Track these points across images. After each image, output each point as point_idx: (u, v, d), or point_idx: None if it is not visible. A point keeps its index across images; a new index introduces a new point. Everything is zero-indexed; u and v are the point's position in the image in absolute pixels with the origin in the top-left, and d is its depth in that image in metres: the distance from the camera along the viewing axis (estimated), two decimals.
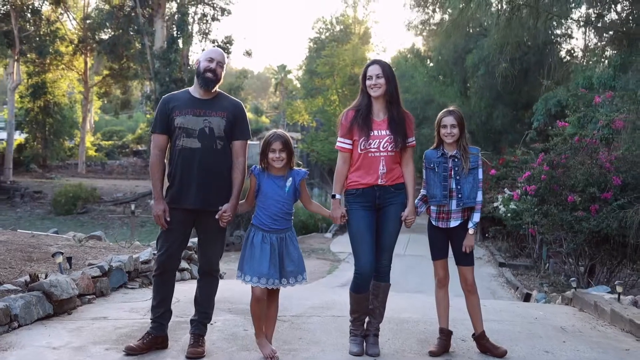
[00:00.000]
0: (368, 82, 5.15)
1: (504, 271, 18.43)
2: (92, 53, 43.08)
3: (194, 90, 5.09)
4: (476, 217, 5.22)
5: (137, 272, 8.11)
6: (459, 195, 5.18)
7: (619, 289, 8.17)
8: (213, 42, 37.60)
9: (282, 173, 4.99)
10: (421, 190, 5.41)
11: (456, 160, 5.20)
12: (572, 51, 29.57)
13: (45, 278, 6.16)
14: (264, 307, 4.97)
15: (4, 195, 38.02)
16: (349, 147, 5.15)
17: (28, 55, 40.42)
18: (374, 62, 5.29)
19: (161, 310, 5.10)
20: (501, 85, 23.01)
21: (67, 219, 34.42)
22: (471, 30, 25.85)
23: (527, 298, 13.22)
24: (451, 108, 5.32)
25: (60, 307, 6.10)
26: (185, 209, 4.94)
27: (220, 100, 5.09)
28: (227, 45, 36.94)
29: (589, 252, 13.28)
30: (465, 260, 5.28)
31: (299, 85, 49.46)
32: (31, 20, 40.65)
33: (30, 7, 40.64)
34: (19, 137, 45.76)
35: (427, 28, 31.87)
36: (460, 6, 28.61)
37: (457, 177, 5.18)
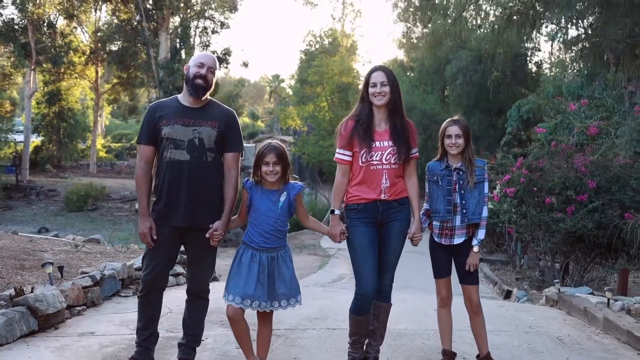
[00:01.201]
0: (371, 90, 4.32)
1: (482, 266, 17.68)
2: (102, 63, 42.26)
3: (183, 98, 4.24)
4: (481, 234, 4.42)
5: (130, 279, 7.24)
6: (464, 211, 4.37)
7: (608, 294, 7.39)
8: (213, 52, 36.75)
9: (276, 187, 4.17)
10: (424, 205, 4.58)
11: (461, 173, 4.39)
12: (540, 63, 29.14)
13: (32, 291, 5.29)
14: (245, 327, 4.14)
15: (21, 193, 37.21)
16: (349, 159, 4.33)
17: (44, 65, 39.48)
18: (379, 68, 4.43)
19: (147, 333, 4.26)
20: (482, 92, 22.54)
21: (78, 215, 33.52)
22: (450, 43, 25.20)
23: (507, 295, 12.51)
24: (456, 117, 4.50)
25: (46, 322, 5.25)
26: (173, 227, 4.10)
27: (211, 109, 4.25)
28: (226, 56, 36.10)
29: (565, 251, 12.73)
30: (469, 279, 4.48)
31: (291, 93, 48.74)
32: (47, 33, 39.82)
33: (46, 21, 39.75)
34: (36, 140, 44.87)
35: (410, 41, 31.37)
36: (438, 22, 28.08)
37: (462, 192, 4.37)
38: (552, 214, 11.60)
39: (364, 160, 4.25)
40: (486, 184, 4.42)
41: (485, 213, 4.40)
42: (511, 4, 27.15)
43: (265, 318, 4.19)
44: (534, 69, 28.93)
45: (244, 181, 4.20)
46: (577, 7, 21.88)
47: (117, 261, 7.38)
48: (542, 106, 18.24)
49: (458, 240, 4.41)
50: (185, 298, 4.36)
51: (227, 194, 4.16)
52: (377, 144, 4.26)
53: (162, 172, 4.12)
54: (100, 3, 38.84)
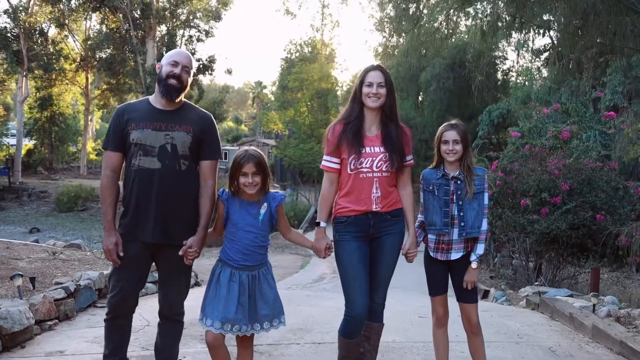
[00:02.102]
0: (366, 90, 3.65)
1: None
2: (92, 70, 41.16)
3: (155, 99, 3.55)
4: (480, 248, 3.78)
5: (107, 288, 6.51)
6: (462, 224, 3.72)
7: (593, 300, 6.85)
8: (198, 60, 35.97)
9: (256, 198, 3.49)
10: (418, 216, 3.92)
11: (459, 182, 3.74)
12: (508, 71, 28.85)
13: None
14: (225, 354, 3.48)
15: (13, 195, 36.11)
16: (337, 166, 3.67)
17: (36, 72, 38.46)
18: (376, 67, 3.74)
19: None
20: (454, 98, 22.28)
21: (68, 215, 32.46)
22: (424, 52, 24.77)
23: (485, 295, 11.98)
24: (453, 121, 3.85)
25: (11, 341, 4.56)
26: (143, 242, 3.42)
27: (186, 112, 3.55)
28: (211, 63, 35.31)
29: (538, 251, 12.31)
30: (467, 297, 3.83)
31: (273, 99, 48.02)
32: (38, 41, 38.68)
33: (38, 29, 38.65)
34: (29, 143, 43.69)
35: (385, 50, 30.95)
36: (411, 32, 27.63)
37: (460, 203, 3.72)
38: (527, 215, 11.20)
39: (352, 167, 3.59)
40: (486, 195, 3.78)
41: (484, 226, 3.76)
42: (480, 15, 26.92)
43: (245, 341, 3.52)
44: (502, 77, 28.67)
45: (219, 192, 3.52)
46: (544, 17, 21.63)
47: (94, 269, 6.67)
48: (512, 111, 17.90)
49: (455, 255, 3.77)
50: (158, 321, 3.68)
51: (203, 206, 3.48)
52: (367, 149, 3.61)
53: (130, 182, 3.44)
54: (90, 12, 37.76)
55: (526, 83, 23.33)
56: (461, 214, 3.70)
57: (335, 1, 66.33)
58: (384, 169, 3.60)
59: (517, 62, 27.37)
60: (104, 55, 38.82)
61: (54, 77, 40.21)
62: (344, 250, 3.62)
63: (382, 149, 3.62)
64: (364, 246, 3.63)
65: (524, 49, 25.66)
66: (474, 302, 3.84)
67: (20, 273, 5.37)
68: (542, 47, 22.67)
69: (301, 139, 34.91)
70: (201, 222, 3.46)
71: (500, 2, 22.70)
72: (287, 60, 41.05)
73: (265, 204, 3.49)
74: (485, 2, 23.18)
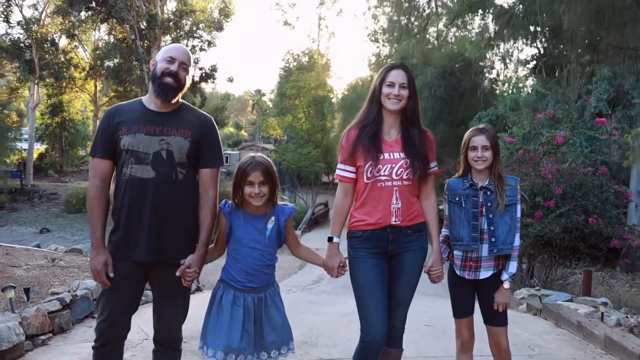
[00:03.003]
0: (387, 91, 3.06)
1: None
2: (100, 78, 40.56)
3: (149, 100, 2.95)
4: (512, 266, 3.20)
5: None
6: (492, 239, 3.12)
7: (602, 308, 6.28)
8: (201, 69, 35.45)
9: (262, 211, 2.91)
10: (442, 230, 3.32)
11: (489, 193, 3.16)
12: (495, 80, 28.39)
13: None
14: None
15: (25, 197, 35.53)
16: (352, 175, 3.08)
17: (47, 80, 37.97)
18: (399, 66, 3.13)
19: None
20: (445, 105, 21.92)
21: (77, 216, 31.73)
22: (416, 60, 24.25)
23: None
24: (481, 126, 3.28)
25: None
26: (135, 262, 2.82)
27: (184, 115, 2.95)
28: (213, 72, 34.75)
29: (532, 253, 11.75)
30: (497, 319, 3.24)
31: (271, 106, 47.42)
32: (49, 51, 38.13)
33: (49, 40, 38.12)
34: (40, 148, 43.12)
35: (379, 59, 30.52)
36: (404, 42, 27.19)
37: (490, 216, 3.13)
38: (522, 218, 10.65)
39: (369, 175, 3.01)
40: (518, 207, 3.20)
41: (517, 242, 3.18)
42: (469, 27, 26.49)
43: None
44: (489, 85, 28.23)
45: (221, 204, 2.94)
46: (531, 29, 21.19)
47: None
48: (505, 117, 17.47)
49: (485, 274, 3.18)
50: (152, 348, 3.07)
51: (203, 220, 2.88)
52: (386, 155, 3.03)
53: (121, 193, 2.85)
54: (98, 24, 37.24)
55: (514, 90, 22.91)
56: (491, 228, 3.11)
57: (331, 14, 65.73)
58: (404, 177, 3.02)
59: (504, 71, 26.97)
60: (111, 64, 38.31)
61: (64, 85, 39.81)
62: (360, 269, 3.03)
63: (402, 155, 3.04)
64: (382, 264, 3.05)
65: (511, 58, 25.27)
66: (504, 325, 3.25)
67: (12, 285, 4.77)
68: (530, 57, 22.24)
69: (299, 143, 34.40)
70: (201, 238, 2.86)
71: (489, 16, 22.34)
72: (285, 69, 40.51)
73: (272, 217, 2.90)
74: (476, 16, 22.79)
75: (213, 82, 36.91)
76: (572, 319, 6.21)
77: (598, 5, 12.43)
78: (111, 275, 2.80)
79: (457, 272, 3.23)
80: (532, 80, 22.24)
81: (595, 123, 12.79)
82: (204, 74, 34.50)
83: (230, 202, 2.91)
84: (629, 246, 11.34)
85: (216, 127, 3.05)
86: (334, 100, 37.30)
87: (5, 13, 36.38)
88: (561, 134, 12.01)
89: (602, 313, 6.15)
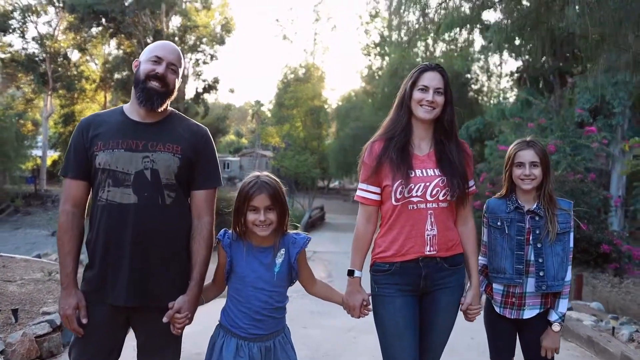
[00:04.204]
0: (419, 96, 2.36)
1: None
2: (110, 89, 39.94)
3: (130, 109, 2.25)
4: (563, 305, 2.49)
5: None
6: (540, 273, 2.43)
7: (613, 322, 5.60)
8: (204, 81, 34.81)
9: (270, 242, 2.21)
10: (479, 258, 2.61)
11: (537, 218, 2.46)
12: (479, 91, 27.89)
13: None
14: None
15: (38, 201, 34.92)
16: (376, 197, 2.39)
17: (59, 91, 37.45)
18: (434, 67, 2.43)
19: None
20: None
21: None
22: (406, 73, 23.68)
23: None
24: (528, 138, 2.59)
25: None
26: (113, 306, 2.12)
27: (173, 126, 2.25)
28: (215, 84, 34.13)
29: None
30: None
31: (270, 115, 46.81)
32: (62, 64, 37.58)
33: (62, 54, 37.53)
34: (54, 155, 42.32)
35: (370, 71, 30.00)
36: (393, 55, 26.65)
37: (539, 245, 2.43)
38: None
39: (399, 196, 2.32)
40: (572, 235, 2.51)
41: (569, 276, 2.49)
42: (456, 42, 26.01)
43: None
44: (474, 95, 27.74)
45: (219, 235, 2.24)
46: (516, 42, 20.67)
47: None
48: (493, 126, 17.01)
49: (529, 313, 2.50)
50: None
51: (196, 253, 2.18)
52: (418, 172, 2.34)
53: (97, 222, 2.17)
54: (108, 38, 36.61)
55: (500, 100, 22.36)
56: (539, 260, 2.42)
57: (326, 29, 65.32)
58: (440, 198, 2.33)
59: (487, 83, 26.48)
60: (120, 77, 37.77)
61: (75, 96, 39.25)
62: (387, 310, 2.34)
63: (437, 172, 2.35)
64: (413, 303, 2.35)
65: (497, 70, 24.80)
66: None
67: None
68: (516, 68, 21.75)
69: (296, 151, 33.78)
70: (193, 276, 2.17)
71: (475, 30, 21.85)
72: (283, 81, 39.91)
73: (282, 250, 2.21)
74: (463, 30, 22.29)
75: (215, 93, 36.30)
76: (581, 333, 5.55)
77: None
78: (84, 321, 2.11)
79: (496, 309, 2.54)
80: (516, 90, 21.77)
81: (584, 132, 12.23)
82: (207, 86, 33.85)
83: (230, 231, 2.22)
84: (619, 251, 10.78)
85: (212, 140, 2.35)
86: (328, 110, 36.76)
87: (21, 30, 36.11)
88: (553, 142, 11.46)
89: (613, 327, 5.49)
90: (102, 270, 2.12)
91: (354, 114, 26.12)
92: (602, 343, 5.14)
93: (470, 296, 2.40)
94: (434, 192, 2.31)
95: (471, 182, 2.46)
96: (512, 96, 22.37)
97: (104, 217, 2.12)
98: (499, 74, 23.43)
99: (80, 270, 2.24)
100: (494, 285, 2.55)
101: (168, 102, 2.23)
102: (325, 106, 37.05)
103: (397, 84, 23.02)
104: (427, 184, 2.31)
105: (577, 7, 4.50)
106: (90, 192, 2.21)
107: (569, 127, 15.04)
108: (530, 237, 2.45)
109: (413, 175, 2.32)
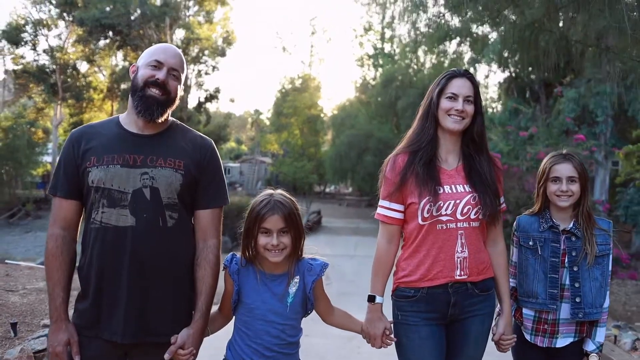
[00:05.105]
0: (447, 105, 2.05)
1: None
2: (117, 99, 39.59)
3: (128, 119, 1.91)
4: (601, 334, 2.15)
5: None
6: (576, 299, 2.10)
7: (614, 330, 5.29)
8: (206, 91, 34.53)
9: (283, 269, 1.87)
10: (509, 281, 2.25)
11: (573, 239, 2.12)
12: None
13: None
14: None
15: (48, 205, 34.38)
16: (399, 215, 2.06)
17: (69, 101, 37.19)
18: (463, 74, 2.12)
19: None
20: None
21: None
22: (398, 83, 23.37)
23: None
24: (564, 151, 2.26)
25: None
26: (109, 341, 1.77)
27: (175, 138, 1.91)
28: (217, 93, 33.88)
29: None
30: None
31: (268, 123, 46.53)
32: (71, 75, 37.38)
33: (71, 65, 37.21)
34: None
35: (365, 81, 29.84)
36: (387, 67, 26.44)
37: (575, 268, 2.10)
38: (507, 229, 9.88)
39: (426, 215, 1.99)
40: (610, 258, 2.17)
41: (607, 302, 2.15)
42: (442, 54, 25.80)
43: None
44: None
45: (226, 260, 1.90)
46: (504, 54, 20.48)
47: None
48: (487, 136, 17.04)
49: (563, 341, 2.16)
50: None
51: (201, 281, 1.84)
52: (447, 189, 2.02)
53: (90, 247, 1.82)
54: (115, 50, 36.36)
55: (490, 109, 22.15)
56: (576, 284, 2.09)
57: (322, 41, 65.27)
58: (472, 217, 2.01)
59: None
60: (126, 87, 37.45)
61: (84, 105, 38.95)
62: (411, 340, 2.01)
63: (468, 188, 2.03)
64: (439, 333, 2.02)
65: (484, 81, 24.59)
66: None
67: None
68: (503, 79, 21.57)
69: (294, 157, 33.46)
70: (198, 306, 1.83)
71: (467, 42, 21.63)
72: (281, 91, 39.63)
73: (297, 277, 1.87)
74: (454, 40, 22.06)
75: (216, 102, 36.02)
76: None
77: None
78: (76, 359, 1.76)
79: (526, 336, 2.21)
80: (503, 99, 21.61)
81: (574, 140, 12.01)
82: (208, 95, 33.59)
83: (238, 255, 1.88)
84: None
85: (218, 153, 2.00)
86: (325, 118, 36.53)
87: (33, 42, 35.86)
88: (545, 150, 11.24)
89: (615, 336, 5.18)
90: (96, 302, 1.78)
91: (349, 122, 25.93)
92: (605, 352, 4.82)
93: (502, 325, 2.07)
94: (465, 210, 2.00)
95: (501, 199, 2.13)
96: (498, 105, 22.19)
97: (98, 242, 1.78)
98: (485, 85, 23.17)
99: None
100: (524, 311, 2.22)
101: (169, 111, 1.89)
102: (322, 115, 36.83)
103: (390, 93, 22.83)
104: (457, 201, 2.00)
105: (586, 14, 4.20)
106: (83, 212, 1.86)
107: (556, 135, 14.86)
108: (566, 260, 2.12)
109: (442, 191, 2.00)
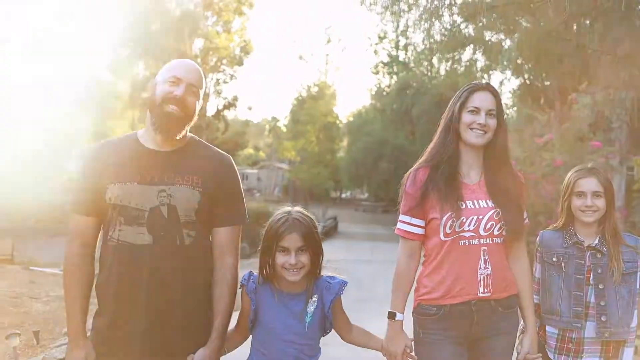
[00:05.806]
0: (469, 119, 1.98)
1: None
2: (137, 107, 40.13)
3: (146, 135, 1.87)
4: (628, 355, 2.04)
5: None
6: (602, 318, 2.00)
7: None
8: (224, 98, 34.74)
9: (301, 288, 1.81)
10: (533, 298, 2.16)
11: (599, 256, 2.04)
12: None
13: None
14: None
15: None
16: (419, 231, 1.99)
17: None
18: (485, 87, 2.03)
19: None
20: None
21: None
22: (414, 91, 23.29)
23: None
24: (590, 165, 2.19)
25: None
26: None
27: (192, 155, 1.86)
28: (235, 101, 34.04)
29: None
30: None
31: (285, 130, 46.76)
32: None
33: None
34: None
35: (380, 89, 29.80)
36: (402, 74, 26.33)
37: (600, 286, 2.01)
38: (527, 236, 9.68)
39: (449, 231, 1.92)
40: (638, 276, 2.07)
41: (635, 322, 2.06)
42: (457, 62, 25.67)
43: None
44: None
45: (243, 278, 1.86)
46: (519, 61, 20.26)
47: None
48: None
49: None
50: None
51: (218, 300, 1.80)
52: (469, 204, 1.95)
53: (108, 265, 1.79)
54: (136, 60, 36.75)
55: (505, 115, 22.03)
56: (601, 303, 2.00)
57: (337, 50, 65.52)
58: (495, 233, 1.93)
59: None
60: (147, 95, 37.99)
61: (106, 113, 39.30)
62: (433, 358, 1.94)
63: (491, 203, 1.96)
64: (462, 352, 1.95)
65: (499, 88, 24.40)
66: None
67: (17, 332, 3.71)
68: (517, 86, 21.36)
69: (311, 164, 33.48)
70: (215, 326, 1.79)
71: (481, 50, 21.51)
72: (297, 99, 39.79)
73: (315, 296, 1.81)
74: (467, 47, 21.94)
75: (234, 110, 36.21)
76: None
77: None
78: None
79: (550, 355, 2.11)
80: (517, 107, 21.38)
81: (590, 147, 11.77)
82: (227, 103, 33.79)
83: (256, 274, 1.83)
84: None
85: (236, 170, 1.96)
86: (340, 125, 36.56)
87: None
88: (560, 157, 11.04)
89: None
90: (114, 320, 1.75)
91: (364, 129, 25.94)
92: None
93: (527, 343, 2.00)
94: (488, 226, 1.92)
95: (524, 215, 2.05)
96: (512, 112, 21.94)
97: (116, 260, 1.75)
98: (500, 92, 23.04)
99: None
100: (548, 328, 2.13)
101: (187, 128, 1.86)
102: (337, 122, 36.84)
103: (404, 100, 22.73)
104: (480, 217, 1.92)
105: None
106: (101, 228, 1.83)
107: (572, 142, 14.64)
108: (591, 277, 2.03)
109: (464, 207, 1.93)
